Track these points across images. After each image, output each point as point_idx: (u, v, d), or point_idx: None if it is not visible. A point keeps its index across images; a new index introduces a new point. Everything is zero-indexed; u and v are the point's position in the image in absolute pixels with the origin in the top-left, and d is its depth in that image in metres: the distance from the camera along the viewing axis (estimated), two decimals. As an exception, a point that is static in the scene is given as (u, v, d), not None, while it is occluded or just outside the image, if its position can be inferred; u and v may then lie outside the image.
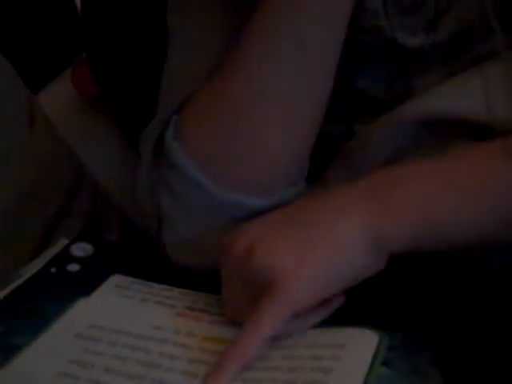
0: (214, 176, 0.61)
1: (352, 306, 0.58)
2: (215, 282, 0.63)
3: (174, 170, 0.62)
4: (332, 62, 0.61)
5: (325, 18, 0.59)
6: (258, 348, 0.54)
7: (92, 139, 0.90)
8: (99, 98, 0.87)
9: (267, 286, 0.55)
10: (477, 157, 0.57)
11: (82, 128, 0.90)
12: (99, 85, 0.81)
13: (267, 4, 0.59)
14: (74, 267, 0.67)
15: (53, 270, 0.66)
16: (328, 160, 0.67)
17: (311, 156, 0.64)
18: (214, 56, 0.62)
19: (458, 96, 0.61)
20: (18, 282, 0.65)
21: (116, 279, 0.66)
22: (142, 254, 0.70)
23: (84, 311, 0.62)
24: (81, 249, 0.69)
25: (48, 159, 0.79)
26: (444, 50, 0.64)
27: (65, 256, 0.68)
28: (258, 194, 0.61)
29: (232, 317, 0.59)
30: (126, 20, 0.73)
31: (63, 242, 0.69)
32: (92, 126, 0.90)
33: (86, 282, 0.65)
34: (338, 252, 0.55)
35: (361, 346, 0.55)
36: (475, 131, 0.60)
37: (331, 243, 0.56)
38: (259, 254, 0.55)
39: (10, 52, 0.78)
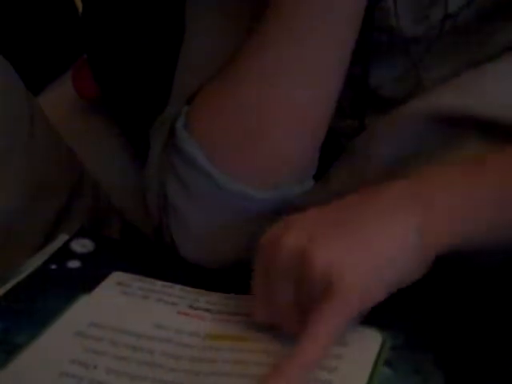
0: (220, 165, 0.62)
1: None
2: (218, 277, 0.64)
3: (182, 157, 0.63)
4: (345, 63, 0.61)
5: (340, 17, 0.59)
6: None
7: (92, 140, 0.90)
8: (100, 100, 0.87)
9: (325, 291, 0.52)
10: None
11: (83, 129, 0.90)
12: (100, 86, 0.81)
13: (281, 8, 0.60)
14: (74, 264, 0.66)
15: (53, 266, 0.66)
16: (337, 157, 0.67)
17: (321, 154, 0.64)
18: (228, 52, 0.63)
19: (469, 92, 0.61)
20: (18, 278, 0.64)
21: (117, 276, 0.65)
22: (143, 250, 0.70)
23: (85, 309, 0.61)
24: (81, 245, 0.68)
25: (48, 160, 0.78)
26: (455, 41, 0.64)
27: (65, 252, 0.67)
28: (261, 186, 0.62)
29: (267, 318, 0.56)
30: (126, 21, 0.73)
31: (63, 237, 0.69)
32: (92, 128, 0.91)
33: (87, 279, 0.64)
34: (391, 254, 0.54)
35: (364, 345, 0.55)
36: (485, 128, 0.60)
37: (385, 246, 0.54)
38: (318, 257, 0.53)
39: (10, 53, 0.78)
